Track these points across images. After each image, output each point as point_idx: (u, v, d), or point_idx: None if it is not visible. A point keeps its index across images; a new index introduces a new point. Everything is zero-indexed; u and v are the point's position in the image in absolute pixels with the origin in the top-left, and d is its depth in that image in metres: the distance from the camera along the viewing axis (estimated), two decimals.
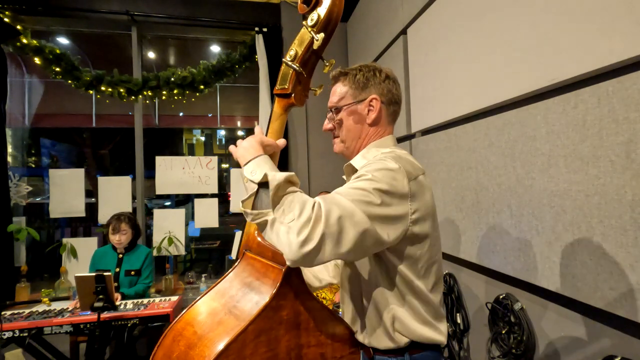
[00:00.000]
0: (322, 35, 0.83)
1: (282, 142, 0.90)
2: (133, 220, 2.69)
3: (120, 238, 2.59)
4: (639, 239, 0.85)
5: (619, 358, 0.91)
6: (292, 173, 0.72)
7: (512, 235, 1.27)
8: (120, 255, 2.63)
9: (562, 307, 1.12)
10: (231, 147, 0.87)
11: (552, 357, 1.16)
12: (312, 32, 0.84)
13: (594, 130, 0.95)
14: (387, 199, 0.74)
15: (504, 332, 1.34)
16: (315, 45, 0.84)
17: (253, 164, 0.77)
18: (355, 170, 0.94)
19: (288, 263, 0.68)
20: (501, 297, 1.36)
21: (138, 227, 2.75)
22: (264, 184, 0.71)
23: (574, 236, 1.03)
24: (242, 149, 0.82)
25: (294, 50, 0.88)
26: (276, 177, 0.69)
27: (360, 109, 0.95)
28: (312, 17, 0.84)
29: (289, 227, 0.66)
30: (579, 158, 1.00)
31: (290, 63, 0.88)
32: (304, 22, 0.87)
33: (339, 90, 0.97)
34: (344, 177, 1.03)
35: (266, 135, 0.91)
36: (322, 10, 0.84)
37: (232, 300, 0.83)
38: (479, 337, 1.56)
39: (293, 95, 0.90)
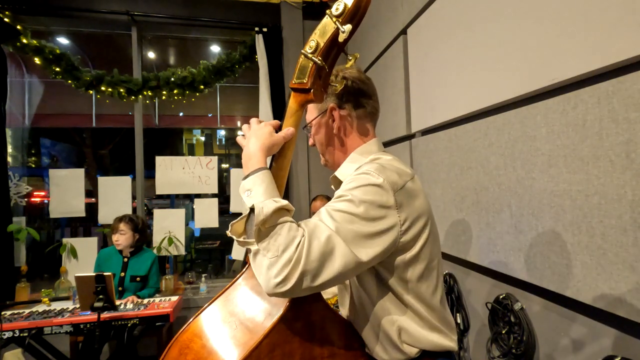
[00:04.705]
0: (349, 26, 0.76)
1: (290, 131, 0.85)
2: (134, 222, 2.66)
3: (118, 238, 2.58)
4: (639, 239, 0.85)
5: (619, 358, 0.91)
6: (285, 202, 0.70)
7: (512, 235, 1.27)
8: (126, 259, 2.62)
9: (562, 307, 1.12)
10: (239, 139, 0.84)
11: (552, 357, 1.16)
12: (337, 23, 0.77)
13: (594, 130, 0.95)
14: (368, 218, 0.72)
15: (504, 332, 1.34)
16: (341, 38, 0.77)
17: (250, 181, 0.74)
18: (341, 183, 0.89)
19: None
20: (501, 297, 1.36)
21: (142, 230, 2.72)
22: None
23: (574, 236, 1.03)
24: (246, 156, 0.79)
25: (314, 41, 0.80)
26: (264, 209, 0.66)
27: (324, 121, 0.93)
28: (338, 7, 0.76)
29: (270, 263, 0.65)
30: (579, 158, 1.00)
31: (310, 56, 0.79)
32: (327, 12, 0.79)
33: (309, 106, 0.96)
34: (332, 187, 0.99)
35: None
36: None
37: (242, 311, 0.79)
38: (479, 337, 1.56)
39: (312, 90, 0.82)
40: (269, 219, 0.66)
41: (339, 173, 0.92)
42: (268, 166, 0.80)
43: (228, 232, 0.74)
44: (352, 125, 0.92)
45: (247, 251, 0.94)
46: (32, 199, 3.06)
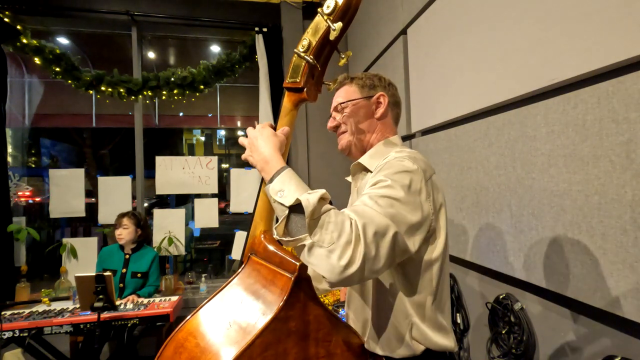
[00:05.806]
0: (339, 24, 0.76)
1: (285, 130, 0.85)
2: (137, 218, 2.71)
3: (121, 232, 2.62)
4: (639, 239, 0.85)
5: (619, 358, 0.91)
6: (323, 190, 0.69)
7: (512, 235, 1.27)
8: (127, 256, 2.65)
9: (562, 307, 1.12)
10: (241, 140, 0.84)
11: (552, 357, 1.16)
12: (328, 21, 0.77)
13: (594, 130, 0.95)
14: (412, 205, 0.74)
15: (504, 332, 1.34)
16: (332, 36, 0.77)
17: (278, 182, 0.73)
18: (364, 168, 0.93)
19: (327, 285, 0.67)
20: (501, 297, 1.36)
21: (144, 227, 2.77)
22: (295, 207, 0.68)
23: (574, 236, 1.03)
24: (261, 161, 0.78)
25: (307, 40, 0.81)
26: (310, 200, 0.65)
27: (368, 105, 0.96)
28: (329, 5, 0.77)
29: (329, 251, 0.64)
30: (579, 158, 1.00)
31: (303, 54, 0.81)
32: (319, 10, 0.80)
33: (346, 91, 0.98)
34: (349, 178, 1.01)
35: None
36: None
37: (236, 310, 0.80)
38: (479, 337, 1.56)
39: (305, 89, 0.83)
40: (316, 210, 0.66)
41: (364, 160, 0.94)
42: None
43: (276, 236, 0.73)
44: (387, 116, 0.98)
45: (245, 252, 0.94)
46: (17, 200, 3.08)
